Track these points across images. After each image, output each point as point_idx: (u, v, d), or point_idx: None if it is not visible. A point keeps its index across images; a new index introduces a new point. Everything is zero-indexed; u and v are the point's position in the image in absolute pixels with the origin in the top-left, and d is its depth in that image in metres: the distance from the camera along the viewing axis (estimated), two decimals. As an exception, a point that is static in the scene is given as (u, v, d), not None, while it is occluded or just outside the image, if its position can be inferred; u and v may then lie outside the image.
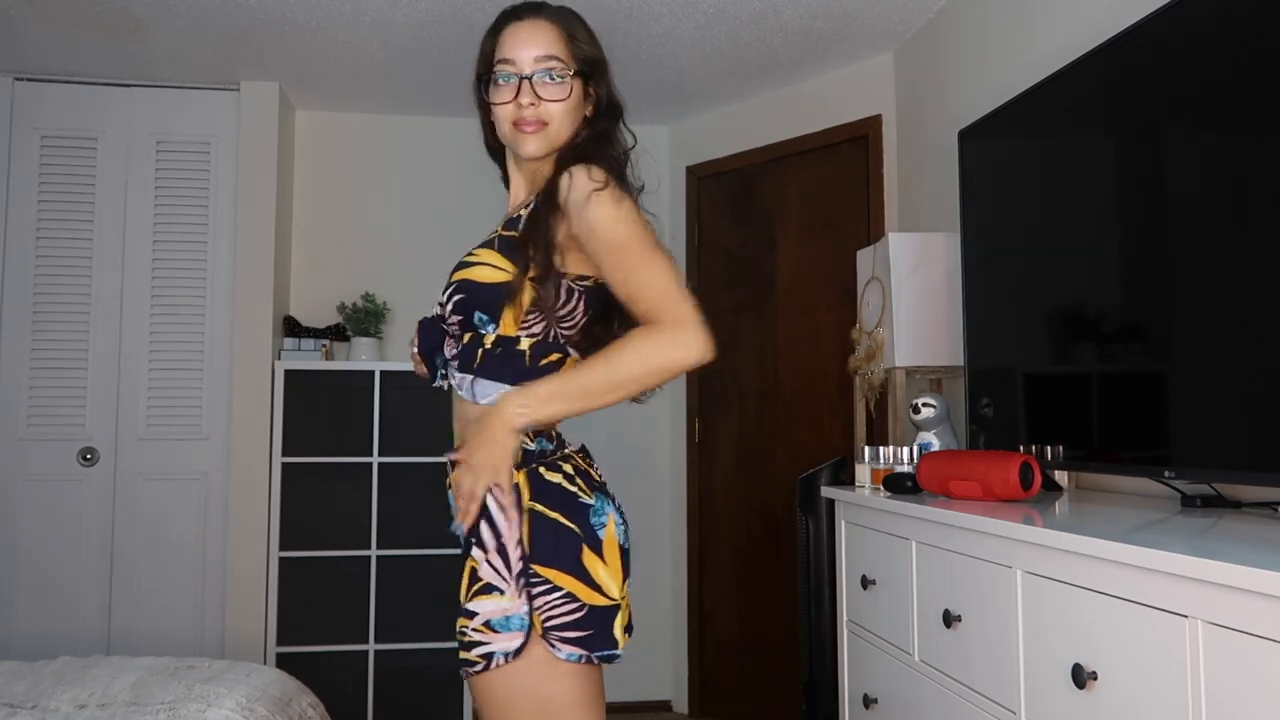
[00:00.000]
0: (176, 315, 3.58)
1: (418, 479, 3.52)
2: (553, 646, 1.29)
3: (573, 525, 1.32)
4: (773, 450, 3.66)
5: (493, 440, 1.30)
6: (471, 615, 1.32)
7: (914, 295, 2.63)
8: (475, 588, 1.33)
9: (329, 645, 3.45)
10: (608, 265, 1.33)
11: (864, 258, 2.88)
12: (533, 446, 1.36)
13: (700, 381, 3.88)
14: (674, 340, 1.27)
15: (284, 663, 3.36)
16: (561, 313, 1.39)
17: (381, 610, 3.48)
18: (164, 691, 2.10)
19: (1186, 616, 1.13)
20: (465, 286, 1.39)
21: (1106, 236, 1.93)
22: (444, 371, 1.48)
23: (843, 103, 3.50)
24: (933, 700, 1.81)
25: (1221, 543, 1.28)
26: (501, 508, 1.33)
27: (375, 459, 3.53)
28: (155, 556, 3.50)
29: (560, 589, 1.30)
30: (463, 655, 1.34)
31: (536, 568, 1.30)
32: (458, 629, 1.34)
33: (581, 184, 1.34)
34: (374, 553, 3.50)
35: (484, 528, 1.34)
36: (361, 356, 3.66)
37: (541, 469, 1.35)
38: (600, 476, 1.43)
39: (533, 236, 1.37)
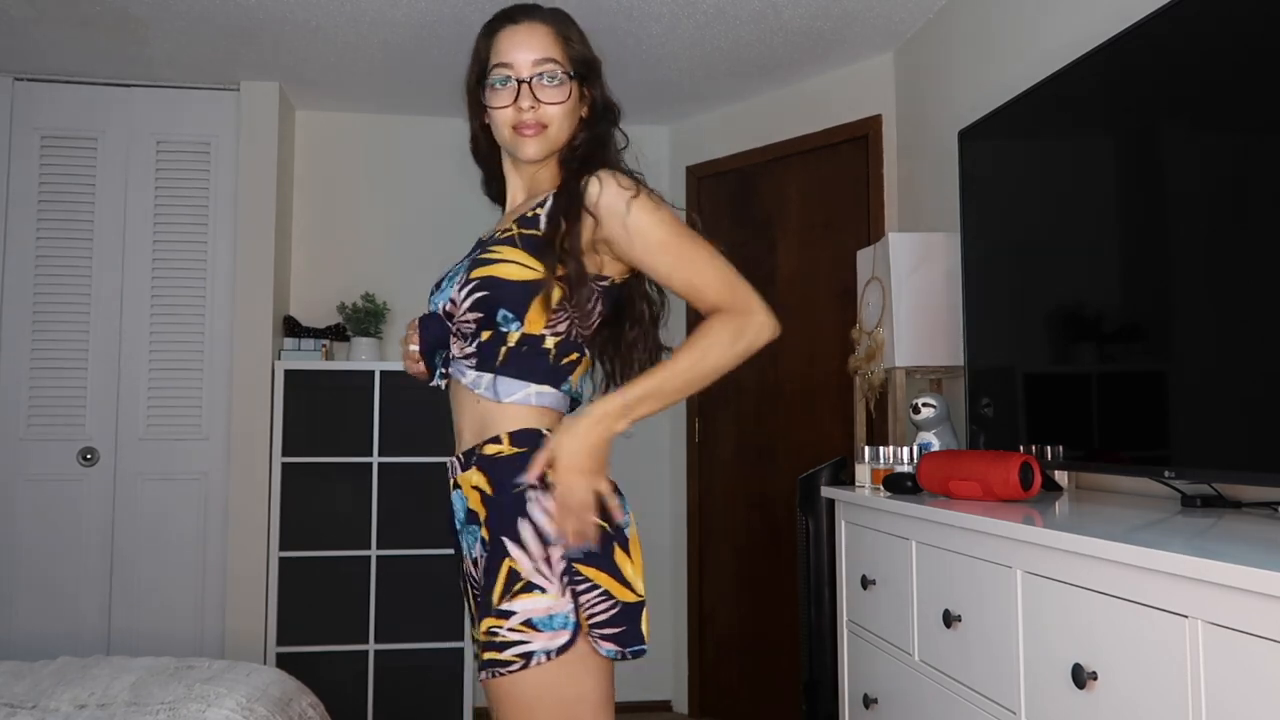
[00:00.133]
0: (176, 315, 3.58)
1: (418, 479, 3.52)
2: (595, 644, 1.32)
3: (605, 524, 1.35)
4: (773, 450, 3.66)
5: (594, 448, 1.31)
6: (507, 615, 1.30)
7: (914, 295, 2.63)
8: (516, 587, 1.31)
9: (329, 645, 3.45)
10: (661, 266, 1.38)
11: (864, 258, 2.88)
12: None
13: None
14: (749, 325, 1.36)
15: (284, 663, 3.36)
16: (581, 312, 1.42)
17: (381, 610, 3.48)
18: (164, 691, 2.10)
19: (1186, 616, 1.13)
20: (489, 283, 1.38)
21: (1106, 236, 1.93)
22: (443, 370, 1.47)
23: (843, 103, 3.50)
24: (933, 700, 1.81)
25: (1221, 543, 1.28)
26: (600, 510, 1.34)
27: (375, 459, 3.53)
28: (155, 556, 3.50)
29: (599, 586, 1.33)
30: (491, 656, 1.31)
31: (578, 566, 1.32)
32: (486, 630, 1.32)
33: (615, 191, 1.38)
34: (374, 553, 3.50)
35: (524, 526, 1.33)
36: (361, 356, 3.66)
37: None
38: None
39: (561, 238, 1.38)
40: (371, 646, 3.47)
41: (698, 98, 3.81)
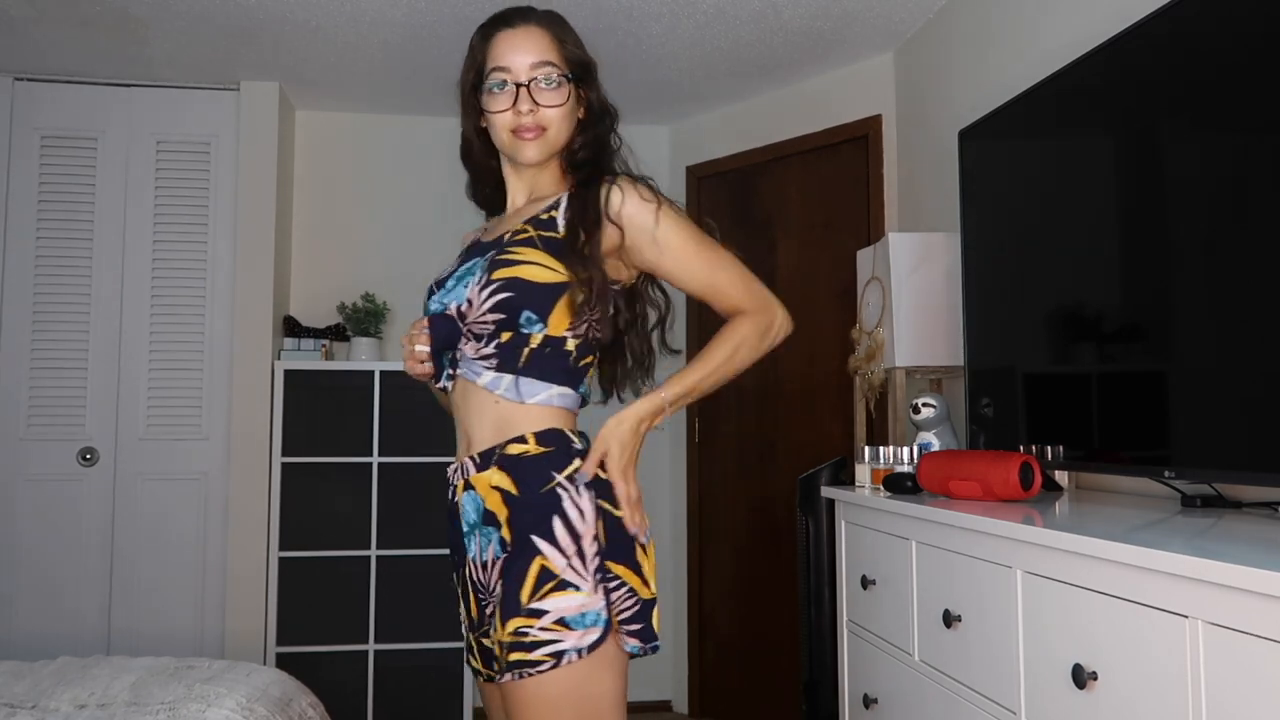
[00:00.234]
0: (176, 315, 3.58)
1: (418, 479, 3.52)
2: (621, 640, 1.35)
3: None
4: (773, 450, 3.66)
5: (633, 446, 1.40)
6: (538, 614, 1.31)
7: (914, 295, 2.63)
8: (548, 586, 1.32)
9: (329, 645, 3.45)
10: (685, 274, 1.46)
11: (864, 258, 2.88)
12: (580, 446, 1.41)
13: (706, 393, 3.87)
14: (773, 323, 1.49)
15: (284, 663, 3.36)
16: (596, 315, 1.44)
17: (381, 610, 3.48)
18: (164, 691, 2.10)
19: (1186, 616, 1.13)
20: (514, 285, 1.38)
21: (1106, 236, 1.93)
22: (450, 371, 1.46)
23: (843, 103, 3.50)
24: (933, 700, 1.81)
25: (1221, 543, 1.28)
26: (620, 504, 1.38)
27: (375, 459, 3.53)
28: (155, 556, 3.50)
29: (626, 583, 1.36)
30: (519, 657, 1.30)
31: (609, 563, 1.35)
32: (514, 630, 1.31)
33: (638, 204, 1.43)
34: (374, 553, 3.50)
35: (557, 524, 1.34)
36: (361, 356, 3.66)
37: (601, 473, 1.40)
38: None
39: (584, 245, 1.41)
40: (371, 646, 3.47)
41: (698, 98, 3.81)
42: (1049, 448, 2.06)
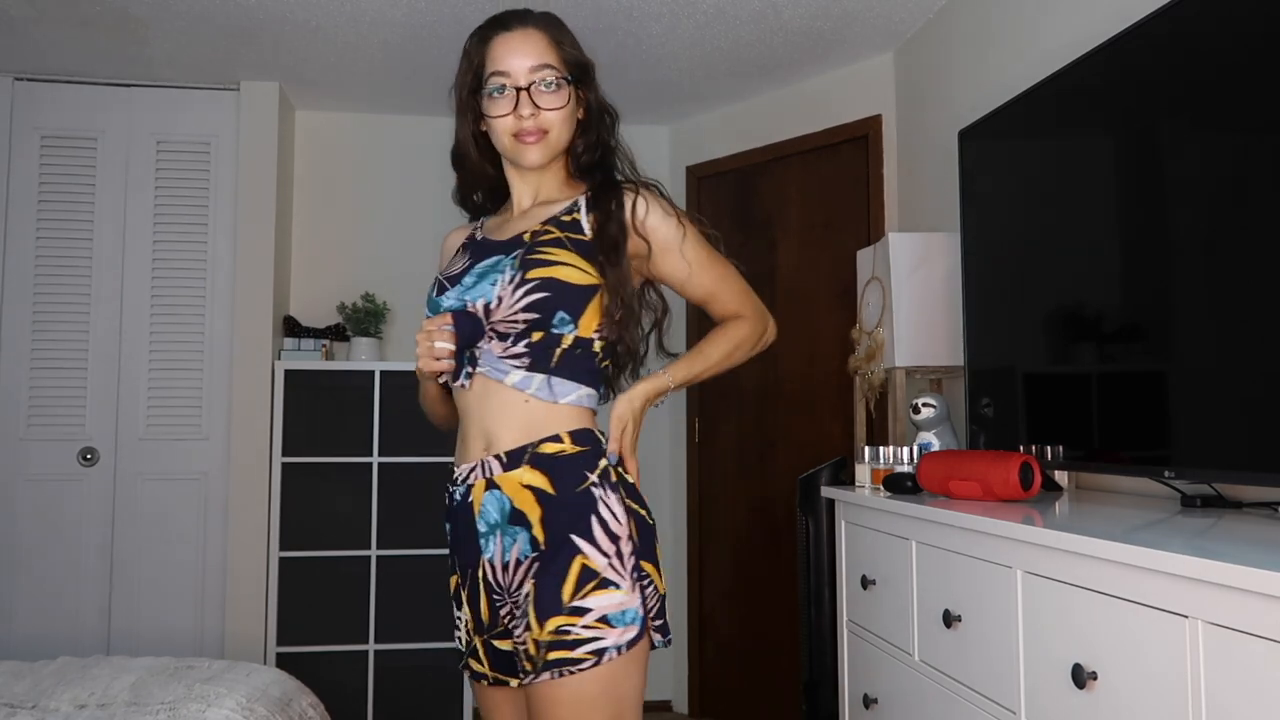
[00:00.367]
0: (176, 315, 3.58)
1: (418, 479, 3.52)
2: (651, 636, 1.39)
3: (651, 520, 1.45)
4: (773, 450, 3.66)
5: (640, 423, 1.47)
6: (581, 612, 1.32)
7: (914, 295, 2.63)
8: (590, 584, 1.34)
9: (329, 645, 3.45)
10: (697, 281, 1.53)
11: (864, 258, 2.88)
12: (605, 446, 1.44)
13: (700, 381, 3.87)
14: (763, 328, 1.58)
15: (284, 663, 3.36)
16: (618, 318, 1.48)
17: (381, 610, 3.48)
18: (164, 691, 2.10)
19: (1186, 616, 1.13)
20: (551, 285, 1.40)
21: (1106, 236, 1.93)
22: (469, 369, 1.44)
23: (843, 103, 3.50)
24: (933, 700, 1.81)
25: (1221, 543, 1.28)
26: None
27: (375, 459, 3.53)
28: (155, 556, 3.50)
29: (652, 580, 1.41)
30: (560, 655, 1.31)
31: (641, 562, 1.39)
32: (556, 629, 1.32)
33: (661, 217, 1.49)
34: (374, 553, 3.50)
35: (595, 524, 1.36)
36: (361, 356, 3.66)
37: (618, 471, 1.44)
38: None
39: (611, 251, 1.45)
40: (371, 646, 3.47)
41: (698, 98, 3.81)
42: (1049, 448, 2.06)
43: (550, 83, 1.45)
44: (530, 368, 1.41)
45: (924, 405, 2.44)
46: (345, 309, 3.76)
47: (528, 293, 1.40)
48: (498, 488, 1.41)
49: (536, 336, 1.41)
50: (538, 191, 1.53)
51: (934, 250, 2.65)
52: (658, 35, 3.20)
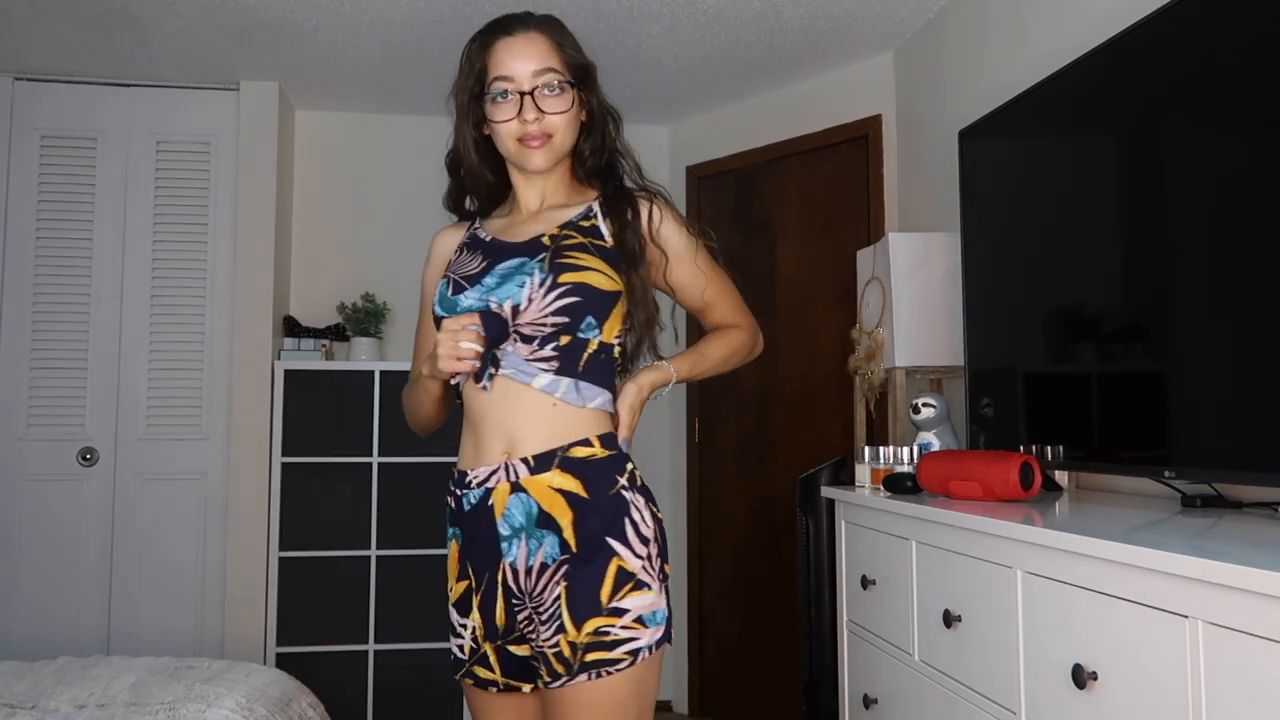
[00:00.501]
0: (176, 315, 3.58)
1: (418, 479, 3.52)
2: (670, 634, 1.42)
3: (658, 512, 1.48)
4: (773, 450, 3.66)
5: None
6: (620, 613, 1.35)
7: (914, 295, 2.63)
8: (627, 586, 1.37)
9: (329, 645, 3.45)
10: (701, 290, 1.57)
11: (864, 258, 2.88)
12: (627, 451, 1.47)
13: (700, 381, 3.88)
14: (755, 340, 1.64)
15: (284, 663, 3.36)
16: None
17: (381, 610, 3.48)
18: (164, 691, 2.10)
19: (1186, 616, 1.13)
20: (583, 290, 1.41)
21: (1106, 236, 1.93)
22: (492, 371, 1.42)
23: (843, 103, 3.50)
24: (933, 700, 1.81)
25: (1221, 543, 1.29)
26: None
27: (375, 459, 3.53)
28: (155, 556, 3.50)
29: (668, 580, 1.45)
30: (598, 657, 1.34)
31: (663, 563, 1.43)
32: (595, 630, 1.34)
33: (674, 225, 1.54)
34: (374, 553, 3.50)
35: (629, 527, 1.39)
36: (361, 356, 3.66)
37: (639, 474, 1.47)
38: None
39: (635, 259, 1.48)
40: (371, 646, 3.47)
41: (698, 98, 3.81)
42: (1049, 448, 2.06)
43: (554, 86, 1.45)
44: (559, 371, 1.41)
45: (924, 405, 2.44)
46: (345, 309, 3.76)
47: (559, 296, 1.40)
48: (524, 491, 1.39)
49: (564, 340, 1.41)
50: (544, 194, 1.53)
51: (934, 250, 2.65)
52: (658, 35, 3.20)
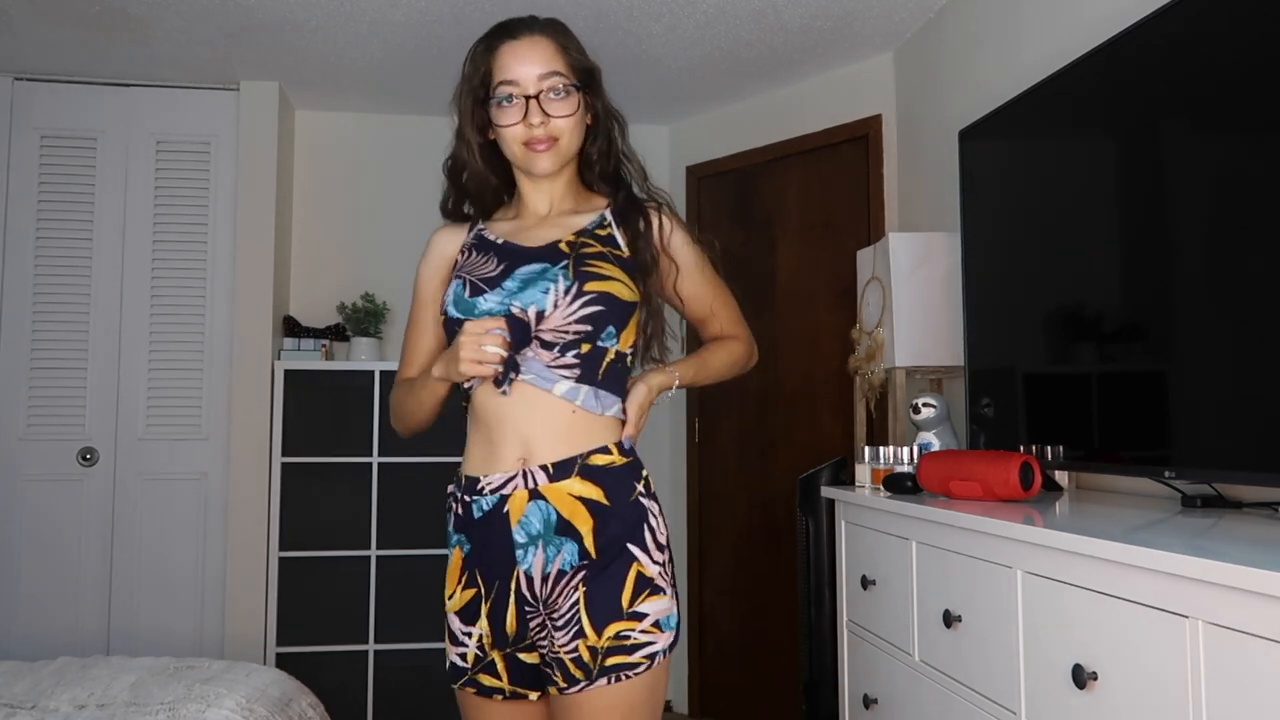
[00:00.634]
0: (176, 315, 3.58)
1: (418, 479, 3.52)
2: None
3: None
4: (773, 450, 3.66)
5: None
6: (640, 617, 1.37)
7: (914, 295, 2.63)
8: (645, 591, 1.39)
9: (329, 645, 3.45)
10: (706, 296, 1.60)
11: (864, 258, 2.88)
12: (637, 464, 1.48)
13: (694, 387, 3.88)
14: (752, 350, 1.67)
15: (284, 663, 3.36)
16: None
17: (381, 610, 3.48)
18: (164, 692, 2.10)
19: (1186, 616, 1.13)
20: (607, 300, 1.42)
21: (1107, 236, 1.93)
22: (512, 376, 1.40)
23: (843, 103, 3.50)
24: (933, 700, 1.81)
25: (1221, 543, 1.29)
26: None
27: (375, 459, 3.53)
28: (155, 556, 3.50)
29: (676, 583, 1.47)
30: (618, 661, 1.35)
31: (674, 569, 1.46)
32: (616, 634, 1.35)
33: (683, 237, 1.57)
34: (374, 553, 3.50)
35: (647, 533, 1.41)
36: (361, 356, 3.66)
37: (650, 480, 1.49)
38: None
39: (651, 270, 1.50)
40: (371, 646, 3.47)
41: (698, 98, 3.81)
42: (1049, 448, 2.06)
43: (559, 90, 1.45)
44: (581, 379, 1.42)
45: (924, 405, 2.44)
46: (345, 309, 3.76)
47: (584, 305, 1.40)
48: (543, 498, 1.39)
49: (585, 348, 1.42)
50: (552, 199, 1.53)
51: (934, 250, 2.65)
52: (658, 35, 3.20)
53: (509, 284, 1.43)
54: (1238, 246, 1.57)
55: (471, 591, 1.44)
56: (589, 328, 1.41)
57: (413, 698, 3.47)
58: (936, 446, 2.41)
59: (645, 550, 1.40)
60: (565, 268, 1.42)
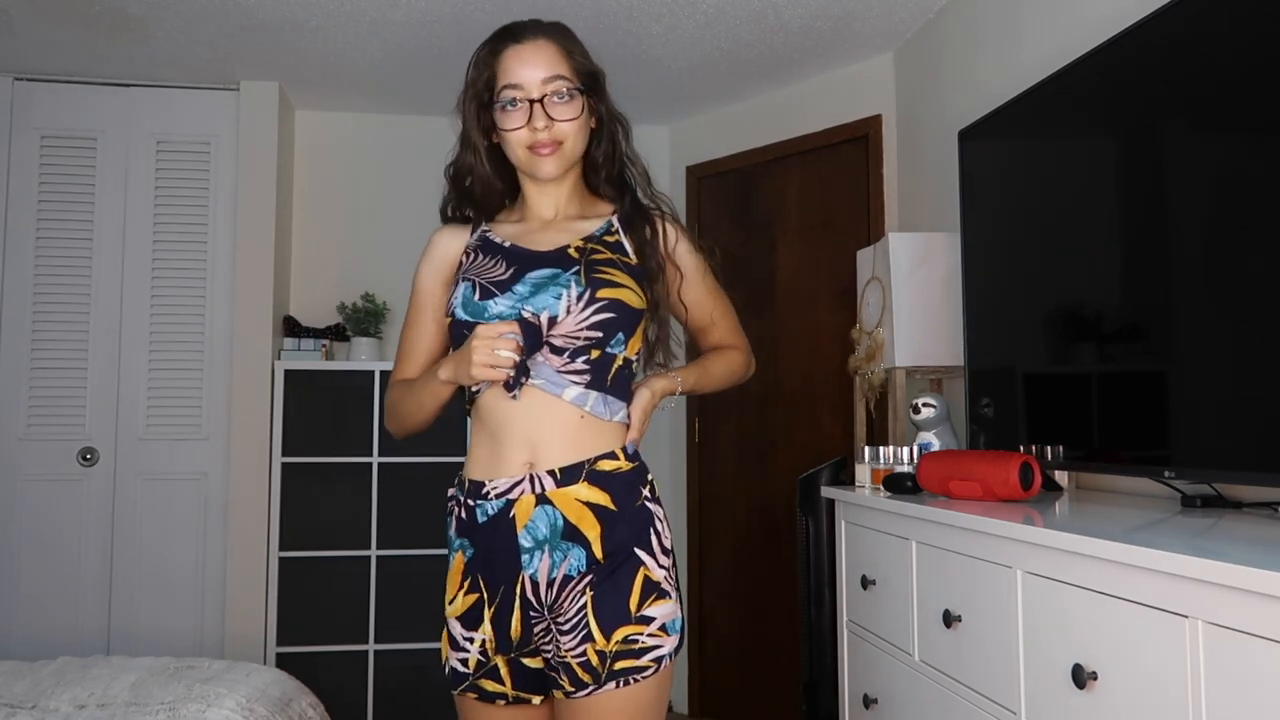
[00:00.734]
0: (176, 315, 3.58)
1: (418, 479, 3.52)
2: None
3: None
4: (773, 450, 3.66)
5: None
6: (647, 621, 1.38)
7: (914, 295, 2.63)
8: (652, 595, 1.40)
9: (329, 645, 3.45)
10: (708, 304, 1.62)
11: (864, 258, 2.88)
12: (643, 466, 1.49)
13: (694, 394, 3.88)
14: (750, 361, 1.69)
15: (284, 663, 3.36)
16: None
17: (381, 610, 3.48)
18: (164, 692, 2.10)
19: (1186, 616, 1.13)
20: (618, 307, 1.42)
21: (1106, 236, 1.93)
22: (523, 380, 1.39)
23: (843, 103, 3.50)
24: (933, 700, 1.81)
25: (1221, 543, 1.29)
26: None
27: (375, 459, 3.53)
28: (155, 556, 3.50)
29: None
30: (627, 665, 1.36)
31: (677, 573, 1.47)
32: (624, 638, 1.36)
33: (688, 245, 1.58)
34: (374, 553, 3.50)
35: (653, 538, 1.42)
36: (361, 356, 3.66)
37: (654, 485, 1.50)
38: None
39: (657, 277, 1.51)
40: (371, 646, 3.47)
41: (698, 98, 3.81)
42: (1049, 448, 2.06)
43: (563, 94, 1.44)
44: (591, 384, 1.42)
45: (924, 405, 2.44)
46: (345, 309, 3.76)
47: (596, 311, 1.40)
48: (550, 503, 1.39)
49: (595, 355, 1.42)
50: (558, 203, 1.53)
51: (934, 250, 2.65)
52: (658, 35, 3.20)
53: (520, 288, 1.42)
54: (1238, 246, 1.57)
55: (474, 596, 1.43)
56: (600, 334, 1.41)
57: (412, 698, 3.47)
58: (936, 446, 2.41)
59: (652, 554, 1.41)
60: (577, 274, 1.42)
